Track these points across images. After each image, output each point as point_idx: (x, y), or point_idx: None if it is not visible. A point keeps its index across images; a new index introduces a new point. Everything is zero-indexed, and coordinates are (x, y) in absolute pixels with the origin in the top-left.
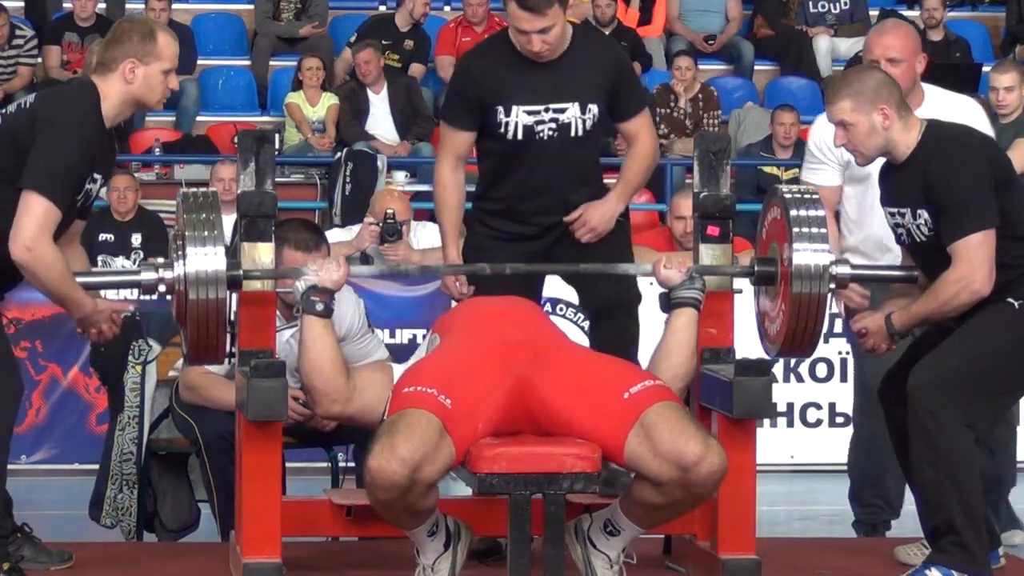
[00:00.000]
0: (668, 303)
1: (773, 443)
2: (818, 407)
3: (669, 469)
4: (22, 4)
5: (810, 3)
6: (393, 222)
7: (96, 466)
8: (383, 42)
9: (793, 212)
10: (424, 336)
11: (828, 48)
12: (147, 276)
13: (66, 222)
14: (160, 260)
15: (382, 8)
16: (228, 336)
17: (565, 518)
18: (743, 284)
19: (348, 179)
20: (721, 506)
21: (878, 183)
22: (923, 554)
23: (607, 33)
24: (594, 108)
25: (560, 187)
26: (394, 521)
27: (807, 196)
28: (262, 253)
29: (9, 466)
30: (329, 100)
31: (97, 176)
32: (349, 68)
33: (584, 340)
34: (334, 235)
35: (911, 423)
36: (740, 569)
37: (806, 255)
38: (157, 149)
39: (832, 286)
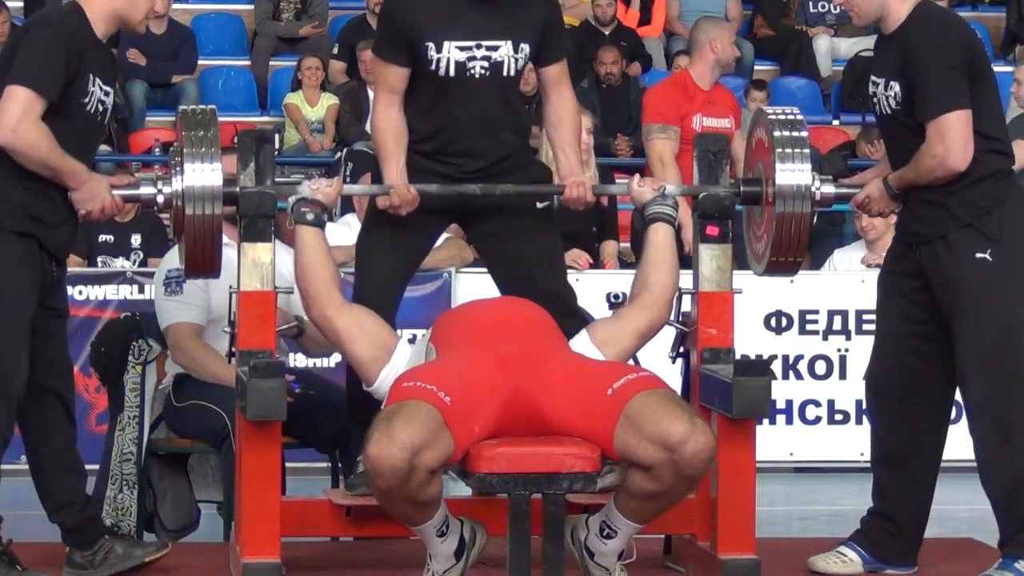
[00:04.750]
0: (643, 220)
1: (772, 440)
2: (817, 404)
3: (656, 451)
4: (22, 4)
5: (810, 3)
6: None
7: (96, 466)
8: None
9: (777, 133)
10: (424, 334)
11: (828, 48)
12: (147, 190)
13: (85, 133)
14: (159, 174)
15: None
16: (229, 336)
17: (565, 518)
18: (743, 283)
19: (348, 179)
20: (721, 506)
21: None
22: (842, 562)
23: (607, 34)
24: (526, 48)
25: (492, 127)
26: (399, 514)
27: (791, 117)
28: (262, 253)
29: (9, 466)
30: (328, 100)
31: (107, 88)
32: (343, 71)
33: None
34: (330, 235)
35: (979, 432)
36: (740, 569)
37: (789, 175)
38: (157, 149)
39: (817, 198)
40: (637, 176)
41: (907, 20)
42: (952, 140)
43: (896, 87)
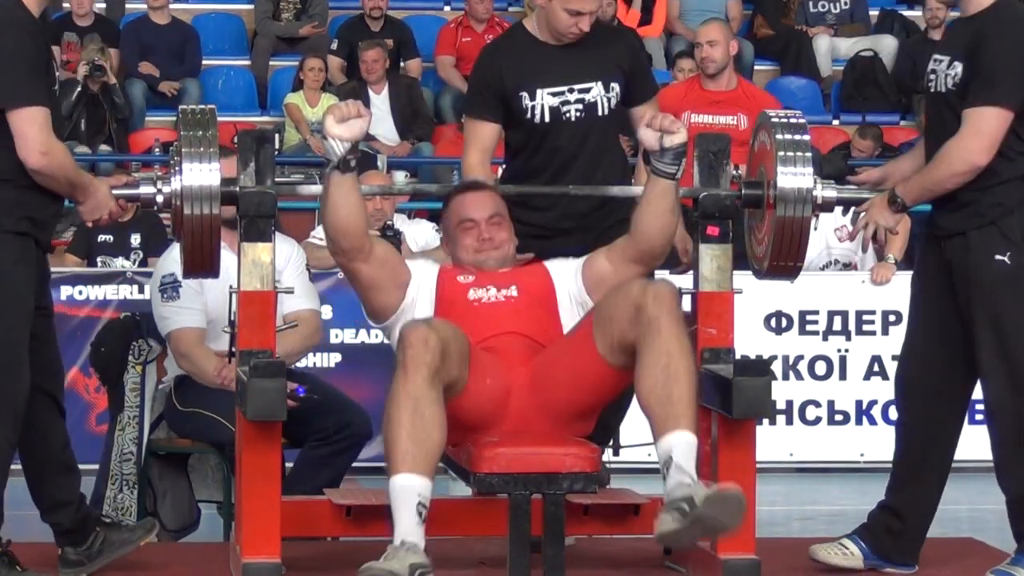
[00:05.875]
0: (647, 160)
1: (772, 441)
2: (817, 405)
3: (627, 312)
4: None
5: (810, 3)
6: (392, 236)
7: (96, 466)
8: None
9: (779, 136)
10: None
11: (828, 48)
12: (146, 190)
13: (56, 117)
14: (159, 173)
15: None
16: (229, 336)
17: (565, 518)
18: (743, 283)
19: None
20: None
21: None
22: (843, 554)
23: None
24: (616, 87)
25: (588, 167)
26: (409, 430)
27: (793, 121)
28: (262, 253)
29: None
30: (328, 101)
31: (55, 63)
32: (341, 68)
33: None
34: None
35: (995, 432)
36: (740, 569)
37: (790, 178)
38: (157, 149)
39: (819, 202)
40: (648, 116)
41: (989, 8)
42: (984, 133)
43: (959, 67)
